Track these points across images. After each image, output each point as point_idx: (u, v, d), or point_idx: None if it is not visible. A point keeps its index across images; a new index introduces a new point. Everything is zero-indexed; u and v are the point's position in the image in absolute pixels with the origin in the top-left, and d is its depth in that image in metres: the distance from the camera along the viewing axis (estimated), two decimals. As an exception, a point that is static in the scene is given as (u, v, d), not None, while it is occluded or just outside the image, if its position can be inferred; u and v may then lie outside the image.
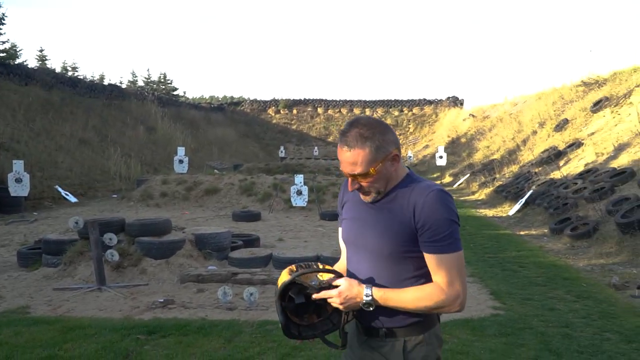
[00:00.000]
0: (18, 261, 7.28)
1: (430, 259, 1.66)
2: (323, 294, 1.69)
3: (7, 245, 8.85)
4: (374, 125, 1.67)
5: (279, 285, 1.71)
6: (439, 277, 1.66)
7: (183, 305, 5.31)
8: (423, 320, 1.72)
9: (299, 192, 12.74)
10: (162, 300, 5.40)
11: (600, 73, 19.59)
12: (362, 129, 1.64)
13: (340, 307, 1.68)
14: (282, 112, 43.53)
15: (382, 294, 1.66)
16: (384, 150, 1.65)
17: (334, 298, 1.67)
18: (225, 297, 5.22)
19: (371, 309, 1.67)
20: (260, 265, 6.77)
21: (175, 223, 7.98)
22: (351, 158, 1.64)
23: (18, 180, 12.07)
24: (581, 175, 12.05)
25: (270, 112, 43.73)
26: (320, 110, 43.24)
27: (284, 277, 1.73)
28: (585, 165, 12.99)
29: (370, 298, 1.66)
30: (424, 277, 1.71)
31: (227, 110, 42.85)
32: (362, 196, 1.75)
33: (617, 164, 11.47)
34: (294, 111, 43.43)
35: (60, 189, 15.06)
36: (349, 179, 1.72)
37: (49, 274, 6.47)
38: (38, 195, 14.52)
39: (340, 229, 1.94)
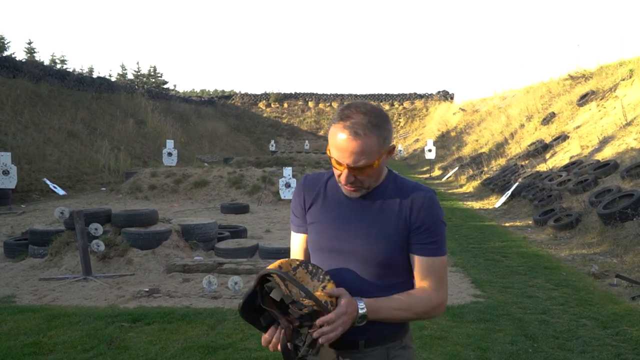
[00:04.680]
0: (5, 252, 7.29)
1: (420, 262, 1.54)
2: (320, 321, 1.39)
3: (-6, 236, 8.83)
4: (381, 113, 1.50)
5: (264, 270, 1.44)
6: (427, 281, 1.54)
7: (168, 294, 5.36)
8: (402, 323, 1.59)
9: (288, 185, 12.78)
10: (147, 289, 5.45)
11: (587, 67, 19.81)
12: (371, 117, 1.46)
13: (324, 338, 1.38)
14: (273, 105, 43.49)
15: (373, 305, 1.47)
16: (388, 142, 1.50)
17: (325, 327, 1.38)
18: (210, 286, 5.28)
19: (363, 323, 1.46)
20: (246, 255, 6.82)
21: (163, 215, 8.01)
22: (358, 147, 1.43)
23: (5, 173, 12.02)
24: (566, 167, 12.20)
25: (261, 106, 43.68)
26: (311, 104, 43.28)
27: (277, 264, 1.47)
28: (571, 157, 13.14)
29: (364, 311, 1.45)
30: (407, 284, 1.58)
31: (217, 104, 42.72)
32: (347, 191, 1.54)
33: (601, 156, 11.62)
34: (285, 105, 43.42)
35: (48, 182, 15.00)
36: (344, 172, 1.48)
37: (35, 264, 6.49)
38: (26, 188, 14.45)
39: (298, 236, 1.69)
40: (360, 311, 1.44)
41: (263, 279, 1.42)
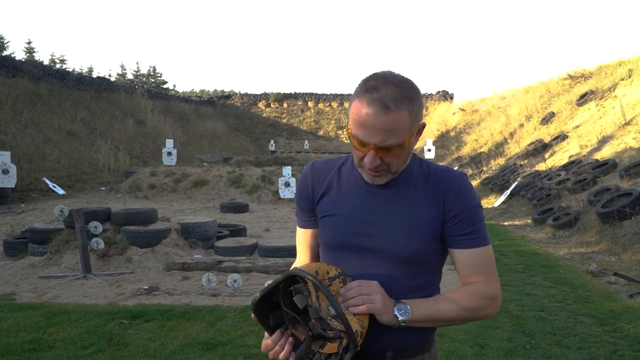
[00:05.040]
0: (4, 250, 7.30)
1: (463, 256, 1.33)
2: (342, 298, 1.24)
3: (-6, 235, 8.85)
4: (413, 85, 1.28)
5: (295, 270, 1.23)
6: (477, 276, 1.33)
7: (167, 292, 5.37)
8: (429, 335, 1.39)
9: (287, 184, 12.81)
10: (147, 287, 5.46)
11: (586, 67, 19.83)
12: (401, 88, 1.24)
13: (359, 309, 1.21)
14: (272, 105, 43.48)
15: (416, 305, 1.28)
16: (419, 118, 1.28)
17: (352, 290, 1.24)
18: (210, 284, 5.30)
19: (404, 322, 1.26)
20: (245, 254, 6.84)
21: (162, 214, 8.03)
22: (387, 123, 1.21)
23: (5, 172, 12.03)
24: (565, 167, 12.23)
25: (261, 106, 43.67)
26: (310, 104, 43.26)
27: (314, 268, 1.24)
28: (570, 157, 13.17)
29: (408, 311, 1.26)
30: (433, 286, 1.39)
31: (217, 104, 42.71)
32: (370, 177, 1.32)
33: (600, 155, 11.65)
34: (285, 105, 43.40)
35: (48, 181, 15.02)
36: (369, 154, 1.25)
37: (35, 262, 6.51)
38: (25, 187, 14.46)
39: (306, 232, 1.51)
40: (397, 304, 1.26)
41: (292, 278, 1.23)
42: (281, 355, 1.24)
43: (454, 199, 1.31)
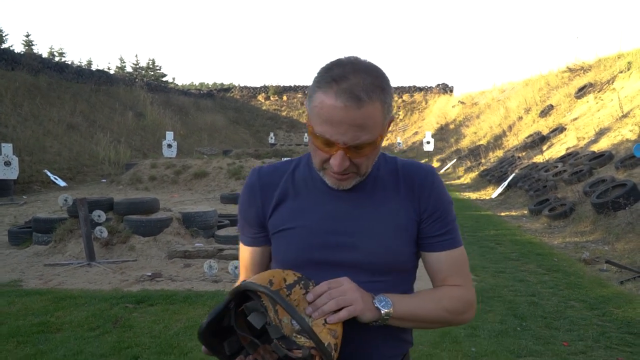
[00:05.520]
0: (9, 240, 7.44)
1: (440, 260, 1.20)
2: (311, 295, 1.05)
3: (-3, 225, 8.99)
4: (382, 73, 1.10)
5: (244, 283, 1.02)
6: (456, 279, 1.20)
7: (170, 278, 5.51)
8: (405, 348, 1.24)
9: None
10: (150, 274, 5.60)
11: (585, 59, 19.90)
12: (373, 76, 1.06)
13: (339, 316, 1.03)
14: (272, 98, 43.54)
15: (397, 299, 1.12)
16: (391, 110, 1.11)
17: (323, 297, 1.05)
18: (211, 271, 5.43)
19: (386, 319, 1.10)
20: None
21: (163, 205, 8.16)
22: (359, 118, 1.04)
23: (7, 164, 12.15)
24: (562, 159, 12.35)
25: (260, 99, 43.73)
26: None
27: (266, 278, 1.03)
28: (567, 149, 13.29)
29: (390, 303, 1.10)
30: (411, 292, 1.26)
31: (216, 97, 42.78)
32: (335, 181, 1.14)
33: (597, 147, 11.77)
34: (284, 98, 43.47)
35: (49, 173, 15.14)
36: (337, 155, 1.08)
37: (39, 251, 6.64)
38: (27, 179, 14.60)
39: (254, 250, 1.28)
40: (378, 296, 1.10)
41: (243, 294, 1.02)
42: None
43: (428, 198, 1.18)
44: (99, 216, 6.32)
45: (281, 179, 1.25)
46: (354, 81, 1.04)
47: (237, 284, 1.07)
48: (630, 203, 7.72)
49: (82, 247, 6.29)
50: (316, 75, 1.10)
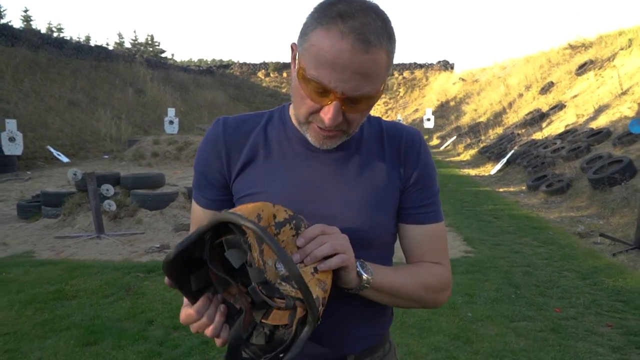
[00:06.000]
0: (18, 213, 7.61)
1: (419, 233, 1.08)
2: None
3: (5, 200, 9.17)
4: (390, 20, 0.93)
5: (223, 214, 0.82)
6: (434, 257, 1.09)
7: (178, 250, 5.69)
8: (385, 324, 1.15)
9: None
10: (158, 245, 5.79)
11: (587, 36, 19.85)
12: (382, 20, 0.90)
13: (330, 263, 0.87)
14: (272, 75, 43.35)
15: (375, 268, 0.98)
16: (392, 66, 0.97)
17: (315, 241, 0.88)
18: (218, 243, 5.61)
19: (366, 287, 0.95)
20: (250, 216, 7.14)
21: (167, 181, 8.31)
22: (365, 65, 0.88)
23: (11, 140, 12.27)
24: (561, 135, 12.48)
25: (260, 75, 43.55)
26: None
27: (254, 212, 0.84)
28: (566, 126, 13.39)
29: (371, 270, 0.96)
30: None
31: (216, 73, 42.57)
32: (318, 139, 0.98)
33: (595, 124, 11.88)
34: (284, 74, 43.26)
35: (52, 149, 15.27)
36: (331, 106, 0.91)
37: (49, 224, 6.82)
38: (30, 155, 14.73)
39: (204, 212, 1.09)
40: (358, 262, 0.95)
41: (224, 226, 0.85)
42: (209, 330, 0.88)
43: (415, 164, 1.07)
44: (107, 190, 6.47)
45: (251, 134, 1.07)
46: (364, 21, 0.87)
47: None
48: (625, 179, 7.89)
49: (90, 220, 6.47)
50: (314, 10, 0.92)
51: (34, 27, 34.29)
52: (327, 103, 0.92)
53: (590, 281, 4.64)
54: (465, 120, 24.15)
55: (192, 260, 0.88)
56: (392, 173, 1.06)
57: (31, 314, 3.89)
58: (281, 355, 0.85)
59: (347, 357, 1.07)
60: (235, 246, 0.86)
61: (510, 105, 20.21)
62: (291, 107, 1.06)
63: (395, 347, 1.20)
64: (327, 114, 0.92)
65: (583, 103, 14.21)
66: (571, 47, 20.22)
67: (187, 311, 0.90)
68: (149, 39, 46.49)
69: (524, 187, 10.37)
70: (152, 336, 3.46)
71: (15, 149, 12.42)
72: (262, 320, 0.88)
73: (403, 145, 1.07)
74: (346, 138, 1.01)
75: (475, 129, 20.08)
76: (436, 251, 1.10)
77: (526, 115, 16.82)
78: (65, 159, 15.22)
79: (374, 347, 1.11)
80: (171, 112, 17.46)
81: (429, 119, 21.07)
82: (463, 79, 32.43)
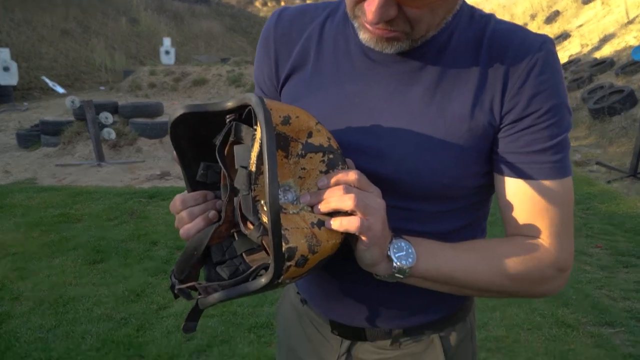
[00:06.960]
0: (18, 142, 7.62)
1: (525, 192, 0.72)
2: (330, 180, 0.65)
3: (4, 130, 9.15)
4: None
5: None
6: (537, 226, 0.73)
7: (179, 177, 5.76)
8: (463, 299, 0.87)
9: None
10: (159, 172, 5.85)
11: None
12: None
13: (343, 224, 0.62)
14: (269, 4, 41.98)
15: (427, 249, 0.70)
16: None
17: (335, 188, 0.63)
18: (218, 170, 5.68)
19: (402, 277, 0.69)
20: (249, 145, 7.18)
21: (165, 111, 8.27)
22: None
23: (6, 69, 12.07)
24: (564, 66, 12.28)
25: (258, 5, 42.19)
26: (309, 0, 41.76)
27: (284, 111, 0.65)
28: (570, 56, 13.16)
29: (412, 256, 0.68)
30: (473, 232, 0.84)
31: (211, 3, 41.14)
32: (371, 38, 0.69)
33: (600, 54, 11.67)
34: (282, 3, 41.86)
35: (47, 80, 15.05)
36: None
37: (49, 152, 6.86)
38: (26, 86, 14.53)
39: None
40: (395, 240, 0.68)
41: (248, 114, 0.66)
42: (183, 230, 0.71)
43: (522, 86, 0.69)
44: (106, 118, 6.46)
45: (305, 30, 0.81)
46: None
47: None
48: (626, 108, 7.86)
49: (90, 149, 6.49)
50: None
51: (19, -49, 32.77)
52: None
53: (583, 206, 4.74)
54: (467, 51, 23.66)
55: (201, 140, 0.71)
56: (484, 99, 0.71)
57: (38, 235, 4.00)
58: (200, 295, 0.66)
59: (392, 331, 0.84)
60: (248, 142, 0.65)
61: (514, 35, 19.75)
62: None
63: (473, 330, 0.91)
64: (371, 4, 0.62)
65: (588, 32, 13.89)
66: (580, -27, 19.50)
67: (181, 197, 0.72)
68: (141, -35, 44.59)
69: (523, 118, 10.35)
70: (157, 255, 3.58)
71: (10, 78, 12.25)
72: (244, 255, 0.70)
73: (509, 57, 0.70)
74: (412, 43, 0.70)
75: (477, 61, 19.75)
76: (551, 222, 0.73)
77: (530, 45, 16.49)
78: (61, 90, 15.03)
79: (431, 323, 0.85)
80: (167, 42, 17.06)
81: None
82: (467, 9, 31.48)
